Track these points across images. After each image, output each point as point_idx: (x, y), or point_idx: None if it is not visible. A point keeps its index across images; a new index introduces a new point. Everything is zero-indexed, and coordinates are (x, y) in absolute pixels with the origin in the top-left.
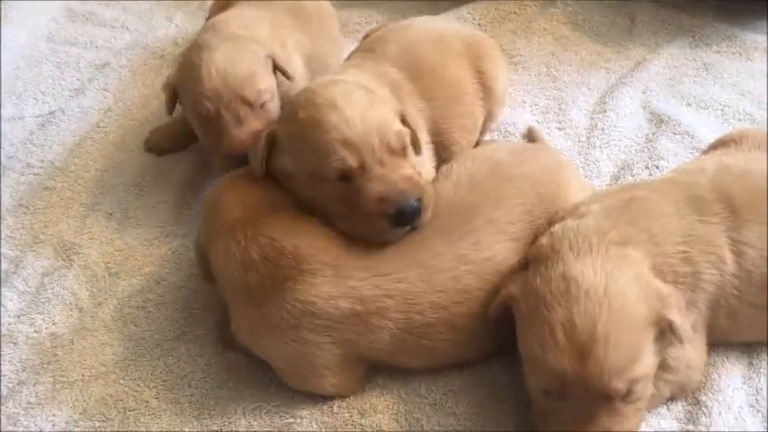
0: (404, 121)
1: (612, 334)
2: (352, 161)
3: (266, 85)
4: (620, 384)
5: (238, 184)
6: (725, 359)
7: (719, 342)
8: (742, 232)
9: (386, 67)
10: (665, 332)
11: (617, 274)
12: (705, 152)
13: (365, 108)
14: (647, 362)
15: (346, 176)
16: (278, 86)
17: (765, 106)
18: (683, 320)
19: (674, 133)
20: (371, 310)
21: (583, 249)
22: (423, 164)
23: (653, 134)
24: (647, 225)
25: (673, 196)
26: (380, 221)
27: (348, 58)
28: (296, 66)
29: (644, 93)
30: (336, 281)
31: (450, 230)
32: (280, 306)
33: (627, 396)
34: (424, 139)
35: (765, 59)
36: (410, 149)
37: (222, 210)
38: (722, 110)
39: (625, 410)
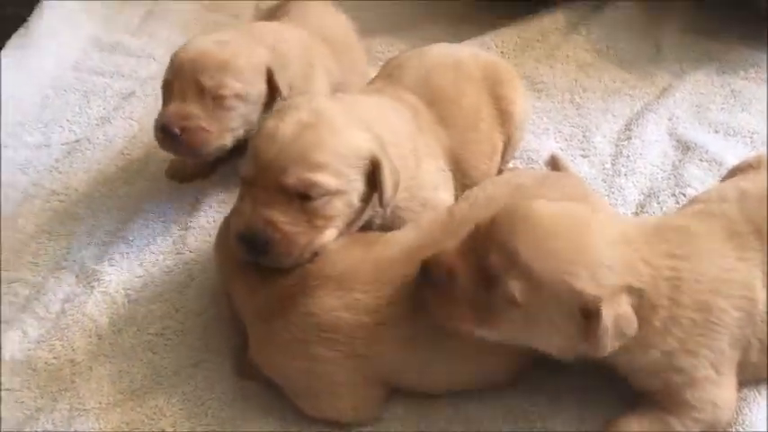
0: (374, 162)
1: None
2: (248, 172)
3: (237, 85)
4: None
5: None
6: (756, 393)
7: (754, 379)
8: None
9: (404, 93)
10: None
11: None
12: (723, 179)
13: (296, 136)
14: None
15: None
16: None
17: None
18: None
19: (701, 160)
20: (377, 320)
21: None
22: (437, 191)
23: (679, 161)
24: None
25: (714, 230)
26: None
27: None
28: (319, 86)
29: (670, 120)
30: (339, 293)
31: None
32: (287, 321)
33: (306, 199)
34: (437, 166)
35: None
36: (323, 199)
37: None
38: (750, 137)
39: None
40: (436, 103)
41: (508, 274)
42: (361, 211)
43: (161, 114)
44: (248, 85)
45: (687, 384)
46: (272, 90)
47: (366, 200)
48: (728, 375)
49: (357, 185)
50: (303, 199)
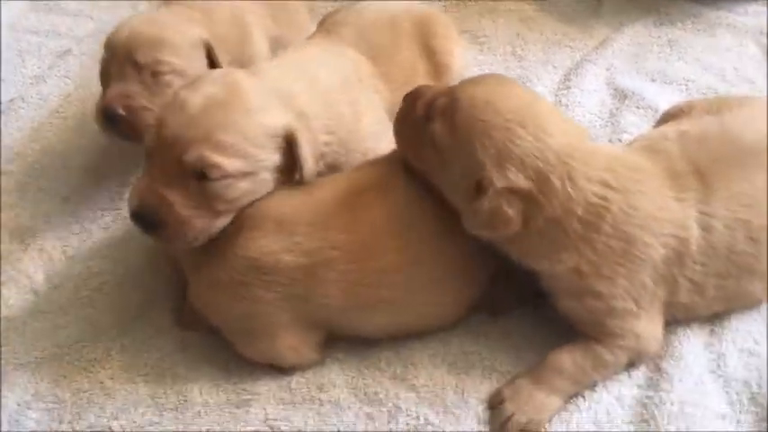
0: (290, 139)
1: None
2: (150, 143)
3: (175, 60)
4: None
5: None
6: (686, 327)
7: (687, 318)
8: (711, 203)
9: (344, 47)
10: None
11: None
12: (656, 125)
13: (204, 111)
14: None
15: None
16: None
17: (727, 80)
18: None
19: (638, 107)
20: (317, 262)
21: None
22: (379, 141)
23: (617, 109)
24: None
25: (657, 168)
26: None
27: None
28: (258, 47)
29: (608, 70)
30: (278, 236)
31: None
32: (225, 264)
33: (204, 179)
34: (378, 117)
35: (729, 35)
36: (222, 182)
37: None
38: (686, 84)
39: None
40: (375, 60)
41: (439, 116)
42: (282, 182)
43: (101, 99)
44: (186, 61)
45: (607, 312)
46: (213, 65)
47: (286, 171)
48: (650, 311)
49: (269, 164)
50: (201, 179)
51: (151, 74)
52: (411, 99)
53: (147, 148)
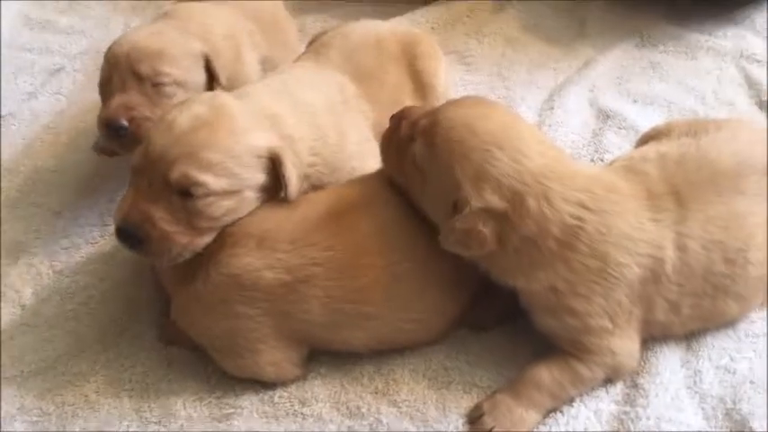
0: (275, 160)
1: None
2: (137, 160)
3: (175, 71)
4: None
5: None
6: (663, 344)
7: (663, 336)
8: (687, 224)
9: (330, 70)
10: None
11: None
12: (636, 145)
13: (190, 130)
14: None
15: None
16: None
17: (707, 102)
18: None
19: (620, 128)
20: (299, 278)
21: None
22: (365, 160)
23: (599, 129)
24: None
25: (634, 189)
26: None
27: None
28: (249, 66)
29: (591, 91)
30: (260, 252)
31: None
32: (207, 281)
33: (187, 197)
34: (363, 137)
35: (709, 58)
36: (205, 200)
37: None
38: (668, 106)
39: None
40: (361, 81)
41: (420, 136)
42: (266, 199)
43: (103, 110)
44: (186, 73)
45: (583, 330)
46: (212, 78)
47: (270, 191)
48: (627, 328)
49: (253, 183)
50: (185, 197)
51: (152, 85)
52: (396, 119)
53: (134, 166)
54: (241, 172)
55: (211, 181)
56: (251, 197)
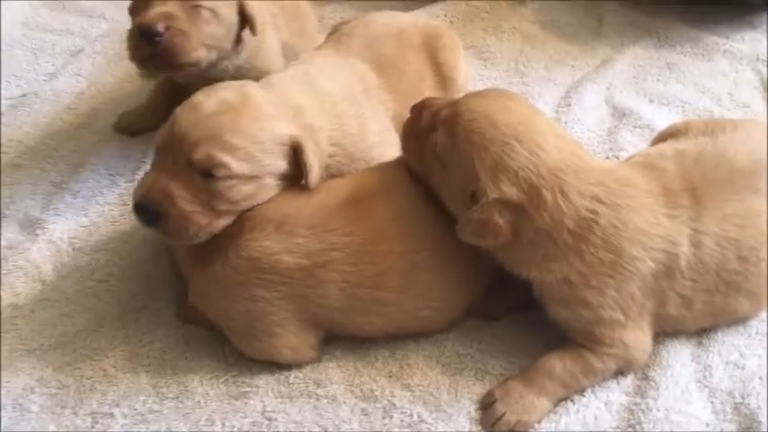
0: (296, 148)
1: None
2: (161, 139)
3: (213, 4)
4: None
5: None
6: (674, 339)
7: (675, 331)
8: (703, 221)
9: (352, 59)
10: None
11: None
12: (651, 143)
13: (217, 113)
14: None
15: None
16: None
17: (723, 104)
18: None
19: (635, 126)
20: (317, 263)
21: None
22: (384, 148)
23: (615, 127)
24: None
25: (651, 185)
26: None
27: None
28: (270, 46)
29: (608, 89)
30: (279, 236)
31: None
32: (226, 264)
33: (209, 178)
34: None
35: (725, 60)
36: (227, 182)
37: None
38: (683, 106)
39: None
40: (381, 70)
41: (442, 126)
42: (285, 187)
43: (140, 19)
44: (223, 6)
45: (596, 322)
46: (243, 23)
47: (291, 179)
48: (639, 321)
49: (274, 169)
50: (207, 177)
51: (192, 6)
52: (418, 109)
53: (158, 145)
54: (263, 158)
55: (234, 164)
56: (271, 184)
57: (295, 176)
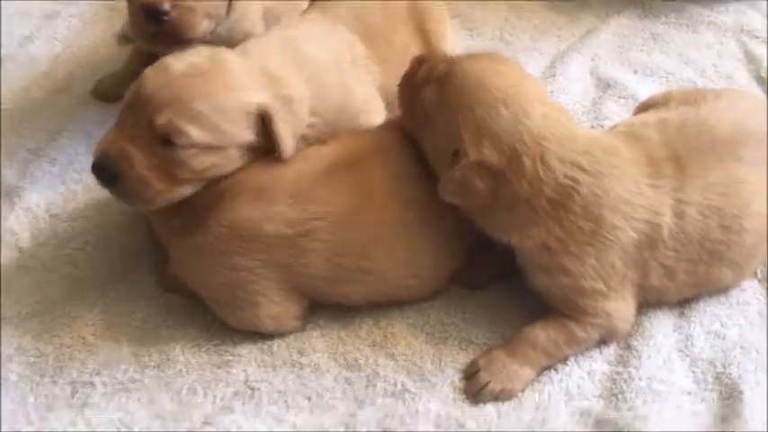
0: (265, 118)
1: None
2: (127, 98)
3: None
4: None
5: None
6: (657, 309)
7: (658, 301)
8: (686, 191)
9: (339, 26)
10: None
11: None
12: (635, 113)
13: (184, 77)
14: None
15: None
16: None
17: (707, 75)
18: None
19: (620, 97)
20: (300, 232)
21: None
22: (370, 115)
23: (599, 97)
24: None
25: (635, 154)
26: None
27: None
28: (254, 5)
29: (592, 59)
30: (259, 204)
31: None
32: (207, 233)
33: (170, 145)
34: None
35: (710, 32)
36: (187, 151)
37: None
38: (666, 77)
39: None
40: (369, 41)
41: (434, 82)
42: (253, 159)
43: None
44: None
45: (577, 291)
46: None
47: (259, 150)
48: (621, 291)
49: (238, 140)
50: (167, 144)
51: None
52: (417, 62)
53: (124, 103)
54: (228, 128)
55: (195, 133)
56: (235, 155)
57: (267, 147)
